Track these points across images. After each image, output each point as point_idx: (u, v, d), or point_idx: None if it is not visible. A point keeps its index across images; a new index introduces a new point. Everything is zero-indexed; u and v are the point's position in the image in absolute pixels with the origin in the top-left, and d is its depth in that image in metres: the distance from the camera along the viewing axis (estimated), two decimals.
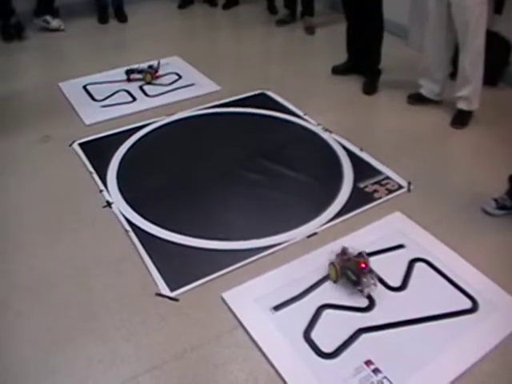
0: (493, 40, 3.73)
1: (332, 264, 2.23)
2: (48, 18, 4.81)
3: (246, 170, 2.93)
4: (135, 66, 3.88)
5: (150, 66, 3.89)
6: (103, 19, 5.02)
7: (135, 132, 3.24)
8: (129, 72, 3.85)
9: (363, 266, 2.17)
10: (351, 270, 2.20)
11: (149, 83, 3.81)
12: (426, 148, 3.15)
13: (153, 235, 2.47)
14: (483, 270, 2.33)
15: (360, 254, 2.21)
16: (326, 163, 3.00)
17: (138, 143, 3.15)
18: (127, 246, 2.43)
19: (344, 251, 2.25)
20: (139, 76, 3.84)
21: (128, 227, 2.51)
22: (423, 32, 3.55)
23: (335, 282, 2.23)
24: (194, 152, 3.10)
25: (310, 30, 4.86)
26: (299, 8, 5.01)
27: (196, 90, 3.74)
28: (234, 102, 3.59)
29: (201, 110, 3.49)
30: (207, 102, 3.57)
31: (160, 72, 3.91)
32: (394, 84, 3.86)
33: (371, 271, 2.18)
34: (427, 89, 3.58)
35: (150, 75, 3.83)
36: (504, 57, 4.02)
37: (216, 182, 2.86)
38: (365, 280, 2.16)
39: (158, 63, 3.93)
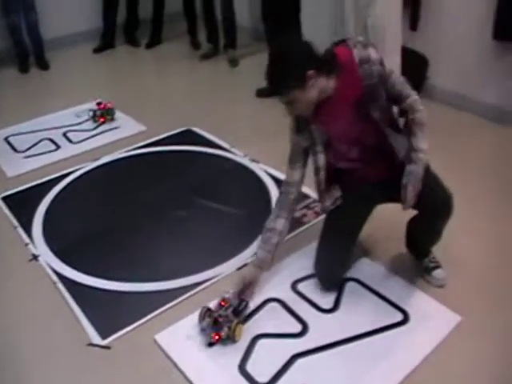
0: (410, 56, 3.93)
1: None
2: None
3: (175, 207, 2.97)
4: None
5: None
6: (24, 68, 5.01)
7: (60, 180, 3.24)
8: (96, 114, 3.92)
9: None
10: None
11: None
12: None
13: (82, 284, 2.47)
14: (412, 281, 2.45)
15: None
16: (254, 193, 3.08)
17: (63, 192, 3.16)
18: (56, 297, 2.42)
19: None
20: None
21: (56, 278, 2.50)
22: None
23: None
24: (122, 195, 3.13)
25: (233, 63, 5.00)
26: (222, 41, 5.14)
27: (121, 132, 3.79)
28: (159, 141, 3.65)
29: (126, 152, 3.53)
30: (133, 144, 3.61)
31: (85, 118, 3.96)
32: None
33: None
34: None
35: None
36: (422, 72, 4.24)
37: (145, 223, 2.89)
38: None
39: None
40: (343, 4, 3.58)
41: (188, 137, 3.71)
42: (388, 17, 3.42)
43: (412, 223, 2.44)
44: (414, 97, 2.15)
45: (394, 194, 2.15)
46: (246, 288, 2.30)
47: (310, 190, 3.04)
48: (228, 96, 4.42)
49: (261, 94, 4.20)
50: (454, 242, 2.65)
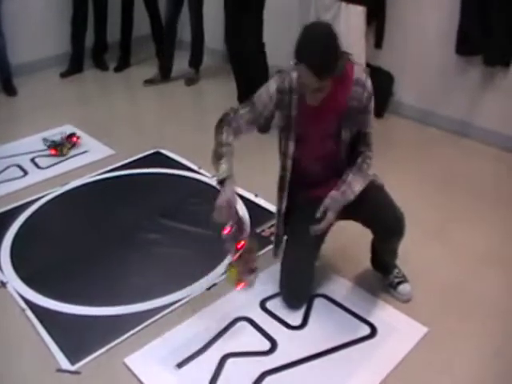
0: (376, 73, 4.04)
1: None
2: None
3: (144, 230, 3.01)
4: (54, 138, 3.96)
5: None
6: None
7: (29, 206, 3.26)
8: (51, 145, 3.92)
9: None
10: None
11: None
12: None
13: (50, 310, 2.49)
14: (378, 295, 2.53)
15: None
16: None
17: (31, 218, 3.18)
18: (24, 324, 2.43)
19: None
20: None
21: (24, 305, 2.52)
22: None
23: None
24: (91, 219, 3.17)
25: (189, 82, 5.15)
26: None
27: (89, 156, 3.82)
28: (128, 164, 3.70)
29: (95, 176, 3.57)
30: (102, 168, 3.65)
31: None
32: None
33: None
34: None
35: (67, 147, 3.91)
36: (388, 89, 4.36)
37: (114, 246, 2.93)
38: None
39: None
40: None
41: (157, 159, 3.76)
42: (352, 35, 3.54)
43: (374, 243, 2.55)
44: (371, 152, 2.30)
45: (343, 214, 2.27)
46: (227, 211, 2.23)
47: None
48: (196, 118, 4.52)
49: None
50: (418, 253, 2.75)
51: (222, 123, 2.34)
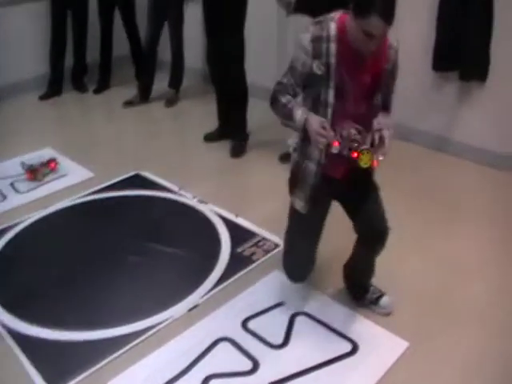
0: None
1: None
2: None
3: (125, 253, 3.04)
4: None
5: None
6: None
7: (7, 232, 3.28)
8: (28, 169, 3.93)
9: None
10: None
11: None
12: None
13: (31, 336, 2.50)
14: (359, 310, 2.58)
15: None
16: (203, 235, 3.18)
17: (11, 242, 3.19)
18: (4, 351, 2.44)
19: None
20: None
21: (4, 332, 2.52)
22: None
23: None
24: (71, 243, 3.18)
25: (169, 103, 5.21)
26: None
27: (69, 180, 3.84)
28: (108, 187, 3.73)
29: (75, 199, 3.59)
30: (82, 191, 3.68)
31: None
32: (265, 146, 4.20)
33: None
34: None
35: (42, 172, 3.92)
36: None
37: (96, 270, 2.94)
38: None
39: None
40: (285, 46, 3.79)
41: (137, 181, 3.80)
42: None
43: (348, 265, 2.63)
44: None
45: (346, 200, 2.41)
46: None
47: (257, 228, 3.17)
48: (176, 139, 4.58)
49: (208, 138, 4.36)
50: (398, 268, 2.80)
51: (275, 99, 2.32)
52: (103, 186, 3.74)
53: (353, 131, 2.17)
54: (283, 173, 3.77)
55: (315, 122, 2.14)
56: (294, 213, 2.49)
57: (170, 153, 4.24)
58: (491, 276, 2.84)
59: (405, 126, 4.27)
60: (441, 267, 2.90)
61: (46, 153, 4.24)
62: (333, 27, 2.15)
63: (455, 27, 3.77)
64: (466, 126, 4.01)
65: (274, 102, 2.32)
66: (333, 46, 2.14)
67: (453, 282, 2.79)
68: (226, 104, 4.27)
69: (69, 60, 5.51)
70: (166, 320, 2.55)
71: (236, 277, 2.81)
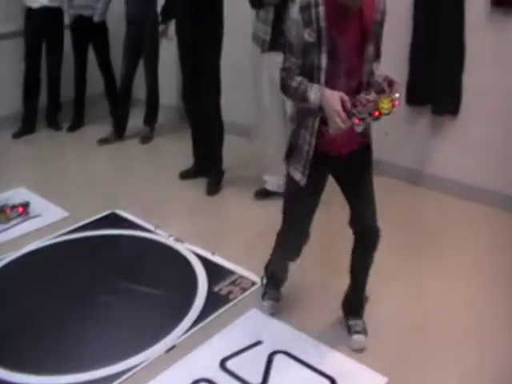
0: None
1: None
2: None
3: (100, 293, 3.03)
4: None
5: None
6: None
7: None
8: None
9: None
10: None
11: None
12: None
13: (3, 381, 2.47)
14: (337, 347, 2.60)
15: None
16: (180, 274, 3.19)
17: None
18: None
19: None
20: None
21: None
22: (264, 130, 3.97)
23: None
24: (46, 284, 3.16)
25: (144, 140, 5.24)
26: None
27: (43, 220, 3.83)
28: (83, 226, 3.72)
29: (49, 240, 3.58)
30: (56, 231, 3.66)
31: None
32: (240, 182, 4.24)
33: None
34: (272, 183, 3.94)
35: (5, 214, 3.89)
36: None
37: (70, 311, 2.92)
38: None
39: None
40: (260, 83, 3.84)
41: (112, 220, 3.80)
42: None
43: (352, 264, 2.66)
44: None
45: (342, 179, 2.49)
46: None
47: (234, 266, 3.19)
48: (151, 177, 4.60)
49: (184, 176, 4.39)
50: (375, 303, 2.82)
51: (284, 86, 2.32)
52: (78, 225, 3.73)
53: (362, 95, 2.18)
54: (259, 209, 3.88)
55: (333, 99, 2.13)
56: (289, 185, 2.52)
57: (145, 191, 4.26)
58: (469, 307, 2.89)
59: (379, 159, 4.32)
60: (418, 299, 2.94)
61: (19, 192, 4.22)
62: None
63: (428, 61, 3.89)
64: (439, 159, 4.11)
65: (284, 90, 2.34)
66: (321, 9, 2.18)
67: (430, 313, 2.83)
68: (201, 141, 4.32)
69: (43, 97, 5.53)
70: (143, 362, 2.54)
71: (213, 316, 2.81)
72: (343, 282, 2.66)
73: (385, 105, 2.15)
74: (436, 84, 3.90)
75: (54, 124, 5.65)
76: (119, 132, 5.31)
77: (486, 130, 3.83)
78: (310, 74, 2.25)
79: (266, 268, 2.89)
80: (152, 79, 5.23)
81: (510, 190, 3.83)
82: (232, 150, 4.35)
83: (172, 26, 4.34)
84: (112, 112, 5.51)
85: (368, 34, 2.26)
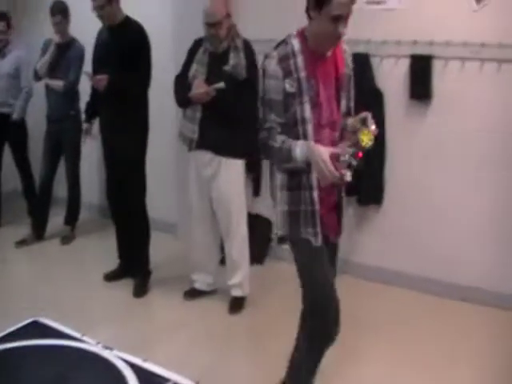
0: (255, 222, 4.28)
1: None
2: None
3: None
4: None
5: None
6: None
7: None
8: None
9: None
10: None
11: None
12: (213, 341, 3.41)
13: None
14: None
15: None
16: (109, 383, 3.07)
17: None
18: None
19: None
20: None
21: None
22: (190, 228, 3.96)
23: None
24: None
25: (65, 240, 5.15)
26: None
27: None
28: (2, 338, 3.50)
29: None
30: None
31: None
32: (168, 282, 4.23)
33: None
34: (201, 282, 3.94)
35: None
36: (267, 235, 4.57)
37: None
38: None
39: None
40: (187, 181, 3.87)
41: (35, 329, 3.59)
42: (233, 188, 3.70)
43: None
44: None
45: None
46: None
47: (167, 372, 3.09)
48: (75, 280, 4.46)
49: (109, 277, 4.31)
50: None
51: (265, 147, 2.36)
52: None
53: (341, 144, 2.28)
54: (189, 310, 3.83)
55: (320, 151, 2.20)
56: (303, 253, 2.52)
57: (69, 295, 4.14)
58: None
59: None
60: None
61: None
62: (296, 41, 2.33)
63: None
64: (364, 248, 4.26)
65: (265, 151, 2.38)
66: (300, 58, 2.29)
67: None
68: (127, 240, 4.28)
69: None
70: None
71: None
72: None
73: (365, 137, 2.24)
74: (361, 177, 4.08)
75: None
76: (39, 232, 5.18)
77: (409, 220, 4.03)
78: (295, 130, 2.32)
79: None
80: (73, 177, 5.19)
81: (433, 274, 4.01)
82: (158, 248, 4.34)
83: (96, 124, 4.36)
84: (30, 212, 5.41)
85: (341, 83, 2.40)
